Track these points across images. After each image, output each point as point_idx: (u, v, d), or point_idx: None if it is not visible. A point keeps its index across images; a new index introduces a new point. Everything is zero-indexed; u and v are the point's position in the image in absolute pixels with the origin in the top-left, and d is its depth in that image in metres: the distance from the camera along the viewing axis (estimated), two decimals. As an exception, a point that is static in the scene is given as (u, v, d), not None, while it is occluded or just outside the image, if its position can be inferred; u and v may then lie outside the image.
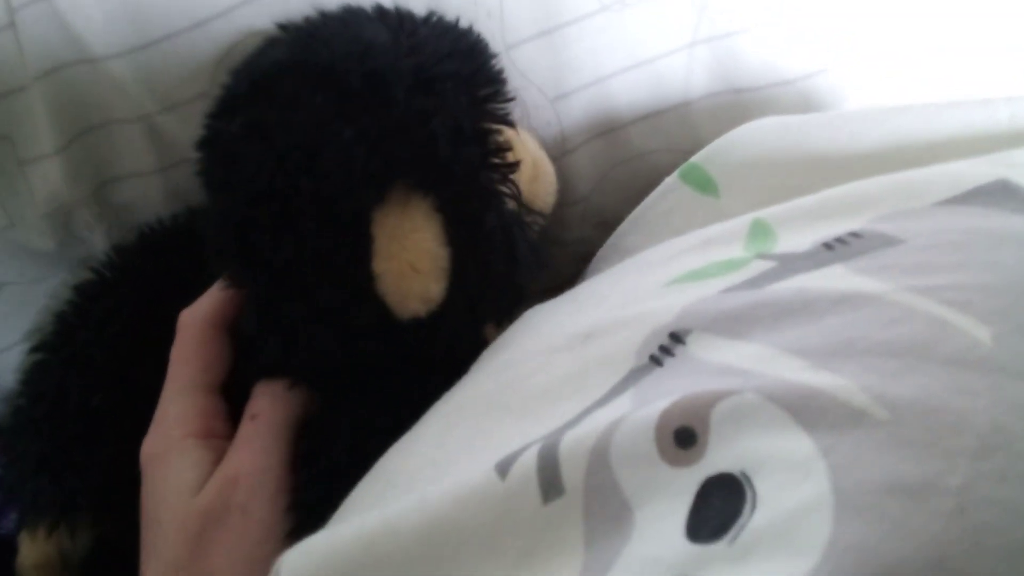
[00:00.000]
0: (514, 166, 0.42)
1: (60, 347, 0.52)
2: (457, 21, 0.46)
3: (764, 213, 0.35)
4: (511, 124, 0.43)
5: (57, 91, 0.50)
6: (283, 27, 0.44)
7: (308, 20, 0.44)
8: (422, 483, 0.30)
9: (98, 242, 0.54)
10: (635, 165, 0.55)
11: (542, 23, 0.50)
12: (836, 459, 0.22)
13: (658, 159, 0.54)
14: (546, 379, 0.32)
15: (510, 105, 0.44)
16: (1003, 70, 0.55)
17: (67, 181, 0.52)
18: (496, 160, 0.41)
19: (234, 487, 0.41)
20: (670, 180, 0.44)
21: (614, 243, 0.45)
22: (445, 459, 0.31)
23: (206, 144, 0.42)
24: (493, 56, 0.45)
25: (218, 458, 0.42)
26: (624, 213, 0.49)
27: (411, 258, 0.38)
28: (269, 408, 0.42)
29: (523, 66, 0.51)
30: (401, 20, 0.44)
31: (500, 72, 0.45)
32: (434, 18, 0.45)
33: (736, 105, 0.53)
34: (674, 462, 0.24)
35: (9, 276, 0.54)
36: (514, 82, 0.51)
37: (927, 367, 0.24)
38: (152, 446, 0.43)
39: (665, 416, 0.25)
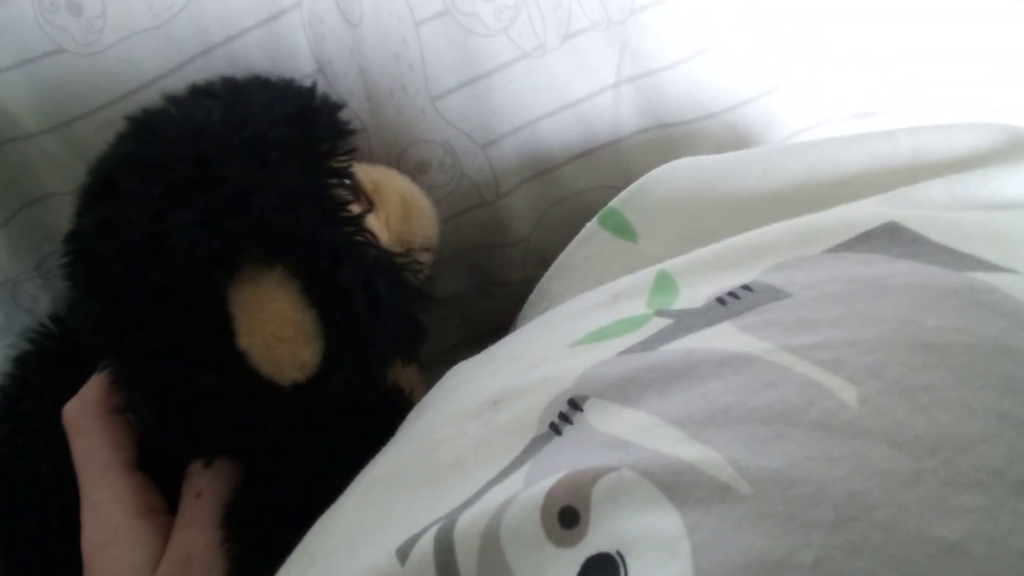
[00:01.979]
0: (359, 217, 0.42)
1: (4, 420, 0.52)
2: (291, 82, 0.46)
3: (668, 265, 0.36)
4: (349, 176, 0.43)
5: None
6: (129, 119, 0.44)
7: (147, 109, 0.44)
8: (336, 567, 0.31)
9: (44, 312, 0.55)
10: (571, 204, 0.55)
11: (464, 73, 0.50)
12: (700, 538, 0.23)
13: (593, 196, 0.55)
14: (456, 448, 0.32)
15: (362, 151, 0.44)
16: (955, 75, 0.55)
17: (10, 255, 0.52)
18: (341, 214, 0.41)
19: (189, 566, 0.41)
20: (591, 225, 0.44)
21: (542, 288, 0.46)
22: (361, 538, 0.32)
23: (68, 243, 0.42)
24: (336, 108, 0.45)
25: (164, 534, 0.43)
26: (565, 251, 0.50)
27: (272, 329, 0.39)
28: (211, 484, 0.43)
29: (450, 116, 0.52)
30: (237, 91, 0.44)
31: (342, 124, 0.45)
32: (268, 82, 0.46)
33: (666, 140, 0.54)
34: (559, 543, 0.25)
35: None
36: (443, 132, 0.52)
37: (794, 433, 0.24)
38: (95, 534, 0.43)
39: (550, 496, 0.26)
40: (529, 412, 0.31)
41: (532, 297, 0.46)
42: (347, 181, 0.43)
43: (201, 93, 0.45)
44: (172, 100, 0.44)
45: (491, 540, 0.26)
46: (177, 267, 0.38)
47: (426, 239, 0.49)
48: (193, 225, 0.38)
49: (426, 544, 0.27)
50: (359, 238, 0.42)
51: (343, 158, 0.43)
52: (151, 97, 0.50)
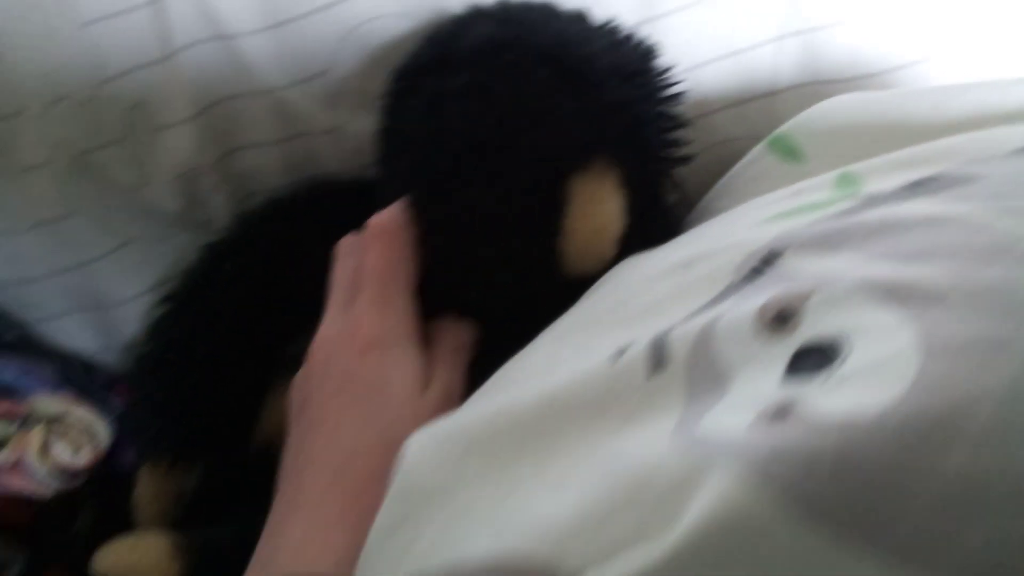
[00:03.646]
0: (689, 159, 0.48)
1: (188, 301, 0.57)
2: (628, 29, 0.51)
3: (850, 167, 0.38)
4: (686, 123, 0.49)
5: (193, 64, 0.55)
6: (479, 8, 0.49)
7: (503, 5, 0.49)
8: (538, 378, 0.34)
9: (219, 206, 0.59)
10: (719, 151, 0.58)
11: (643, 12, 0.53)
12: (924, 322, 0.25)
13: (741, 145, 0.57)
14: (651, 298, 0.35)
15: None
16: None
17: (196, 147, 0.57)
18: (677, 152, 0.47)
19: (449, 404, 0.44)
20: (757, 148, 0.47)
21: (703, 207, 0.49)
22: (559, 360, 0.34)
23: (412, 96, 0.47)
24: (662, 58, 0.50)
25: (426, 364, 0.46)
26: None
27: (601, 222, 0.43)
28: (468, 346, 0.47)
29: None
30: (582, 17, 0.49)
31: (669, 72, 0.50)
32: (610, 24, 0.50)
33: (820, 96, 0.56)
34: (771, 337, 0.27)
35: (135, 233, 0.59)
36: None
37: (1006, 260, 0.26)
38: (383, 335, 0.44)
39: (765, 305, 0.28)
40: (724, 264, 0.34)
41: (691, 216, 0.49)
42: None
43: (552, 9, 0.50)
44: (526, 6, 0.49)
45: (703, 339, 0.29)
46: (545, 141, 0.43)
47: None
48: (574, 114, 0.43)
49: (639, 347, 0.30)
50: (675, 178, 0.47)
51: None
52: (346, 13, 0.54)
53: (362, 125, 0.56)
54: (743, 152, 0.55)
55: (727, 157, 0.57)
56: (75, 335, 0.61)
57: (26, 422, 0.54)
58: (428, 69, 0.47)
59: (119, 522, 0.56)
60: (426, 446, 0.34)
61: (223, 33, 0.54)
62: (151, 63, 0.54)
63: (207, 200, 0.59)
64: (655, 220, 0.46)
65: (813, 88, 0.56)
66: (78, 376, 0.59)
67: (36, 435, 0.54)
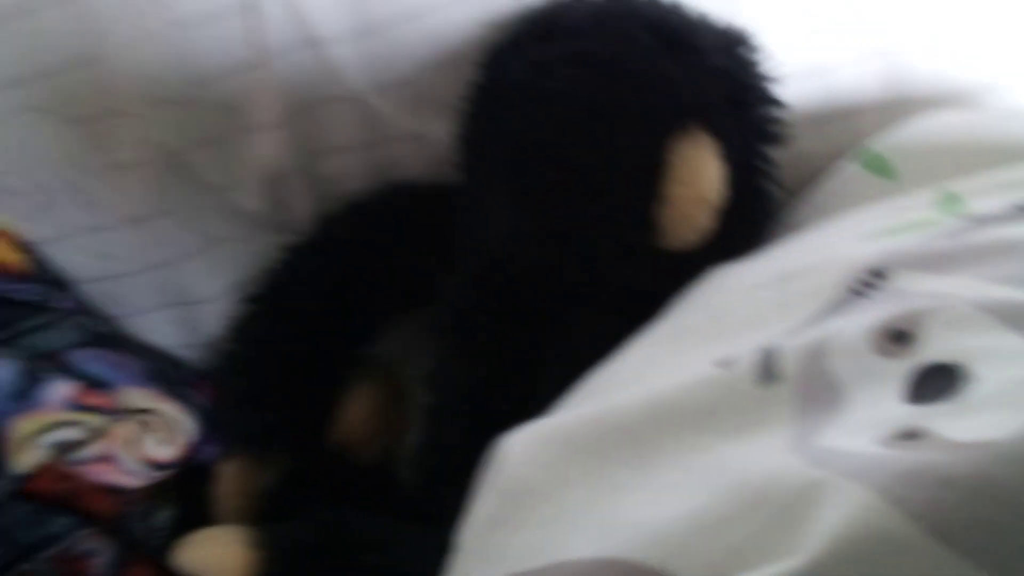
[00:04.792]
0: (785, 139, 0.49)
1: (271, 301, 0.58)
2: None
3: (951, 186, 0.38)
4: (782, 103, 0.50)
5: (285, 69, 0.56)
6: None
7: None
8: (636, 383, 0.34)
9: (302, 208, 0.60)
10: (798, 167, 0.58)
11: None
12: None
13: (820, 163, 0.57)
14: (749, 310, 0.36)
15: None
16: None
17: (284, 151, 0.58)
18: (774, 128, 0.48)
19: None
20: (846, 163, 0.47)
21: (787, 219, 0.49)
22: (656, 367, 0.35)
23: (515, 61, 0.48)
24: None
25: None
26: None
27: (703, 188, 0.44)
28: None
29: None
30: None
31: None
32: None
33: (904, 116, 0.56)
34: (886, 355, 0.28)
35: (222, 233, 0.61)
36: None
37: None
38: None
39: (879, 322, 0.28)
40: (825, 279, 0.34)
41: (776, 228, 0.49)
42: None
43: None
44: None
45: (816, 353, 0.29)
46: (651, 104, 0.44)
47: None
48: (681, 77, 0.44)
49: (748, 357, 0.30)
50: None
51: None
52: (436, 23, 0.55)
53: (443, 132, 0.57)
54: (821, 169, 0.55)
55: (805, 173, 0.57)
56: (159, 331, 0.63)
57: (117, 415, 0.55)
58: (531, 39, 0.48)
59: (199, 517, 0.58)
60: (529, 445, 0.35)
61: (315, 39, 0.55)
62: (245, 67, 0.56)
63: (291, 202, 0.60)
64: (753, 202, 0.47)
65: (897, 108, 0.56)
66: (165, 371, 0.60)
67: (127, 428, 0.55)
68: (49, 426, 0.53)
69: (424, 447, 0.56)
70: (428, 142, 0.58)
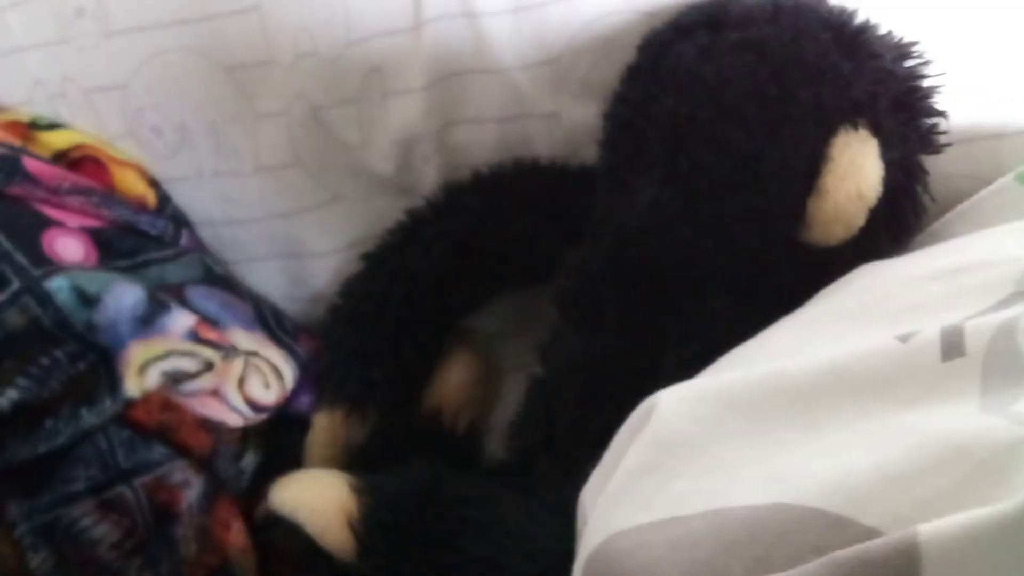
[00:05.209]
0: (943, 147, 0.49)
1: (388, 258, 0.59)
2: None
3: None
4: (944, 113, 0.50)
5: (436, 36, 0.57)
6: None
7: None
8: (798, 355, 0.35)
9: (429, 175, 0.61)
10: (937, 187, 0.58)
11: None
12: None
13: (960, 184, 0.57)
14: (916, 298, 0.36)
15: None
16: None
17: (421, 117, 0.59)
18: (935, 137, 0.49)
19: None
20: (1004, 180, 0.47)
21: (936, 230, 0.49)
22: (809, 345, 0.35)
23: (681, 44, 0.49)
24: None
25: None
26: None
27: (862, 185, 0.44)
28: None
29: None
30: None
31: None
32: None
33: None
34: None
35: (345, 190, 0.62)
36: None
37: None
38: None
39: None
40: (1002, 276, 0.34)
41: (919, 238, 0.49)
42: None
43: None
44: None
45: (1005, 332, 0.29)
46: (819, 97, 0.45)
47: None
48: (852, 73, 0.45)
49: (930, 332, 0.31)
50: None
51: None
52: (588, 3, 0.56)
53: (580, 114, 0.58)
54: (960, 191, 0.55)
55: (943, 194, 0.57)
56: (269, 280, 0.64)
57: (229, 353, 0.56)
58: (699, 27, 0.49)
59: (281, 466, 0.58)
60: (684, 401, 0.35)
61: (472, 10, 0.56)
62: (398, 31, 0.57)
63: (419, 168, 0.61)
64: (903, 206, 0.47)
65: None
66: (271, 318, 0.61)
67: (237, 366, 0.56)
68: (164, 354, 0.54)
69: (525, 420, 0.56)
70: (561, 122, 0.59)
